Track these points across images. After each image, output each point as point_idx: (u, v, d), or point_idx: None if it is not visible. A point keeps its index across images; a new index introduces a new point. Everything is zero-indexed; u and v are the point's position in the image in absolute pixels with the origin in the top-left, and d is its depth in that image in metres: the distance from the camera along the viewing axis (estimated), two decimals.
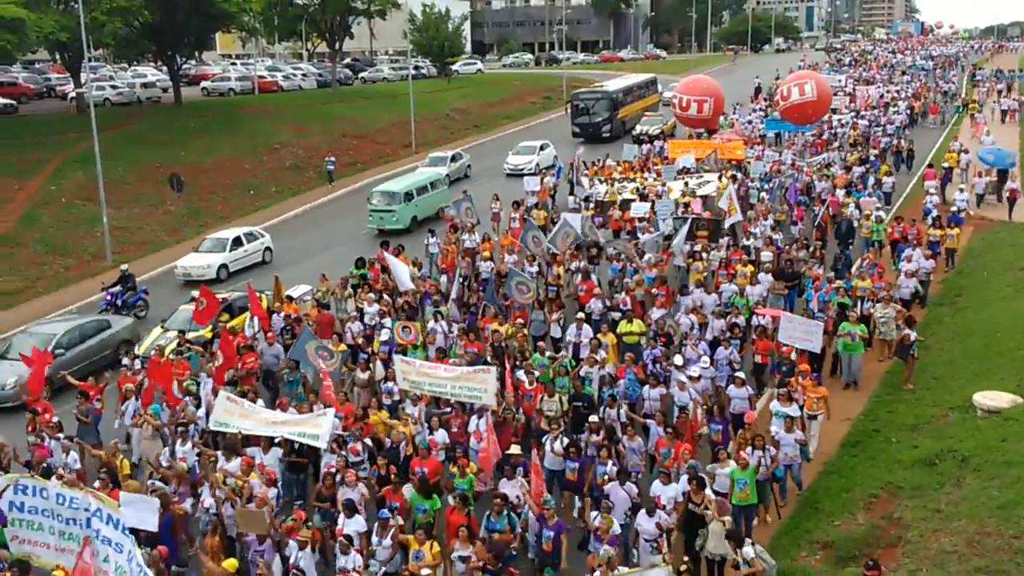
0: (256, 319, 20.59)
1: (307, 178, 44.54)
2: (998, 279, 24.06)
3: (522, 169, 41.42)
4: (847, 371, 18.89)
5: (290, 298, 22.61)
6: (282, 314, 20.96)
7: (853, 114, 49.17)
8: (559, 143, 48.26)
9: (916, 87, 62.12)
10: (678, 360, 16.86)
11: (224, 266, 29.41)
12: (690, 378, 16.01)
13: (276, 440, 14.57)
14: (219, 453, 14.34)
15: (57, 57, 48.28)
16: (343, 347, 18.81)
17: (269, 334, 19.53)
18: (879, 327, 19.59)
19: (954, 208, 29.14)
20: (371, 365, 17.90)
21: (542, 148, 44.59)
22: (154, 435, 15.73)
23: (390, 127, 54.62)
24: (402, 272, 22.25)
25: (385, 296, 21.49)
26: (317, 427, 13.97)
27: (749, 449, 13.38)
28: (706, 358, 17.23)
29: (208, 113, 51.36)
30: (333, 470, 13.74)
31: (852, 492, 14.41)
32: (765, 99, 59.81)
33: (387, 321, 19.78)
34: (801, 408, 15.35)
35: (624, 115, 53.37)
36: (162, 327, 22.17)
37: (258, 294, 22.21)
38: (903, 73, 71.94)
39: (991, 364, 18.27)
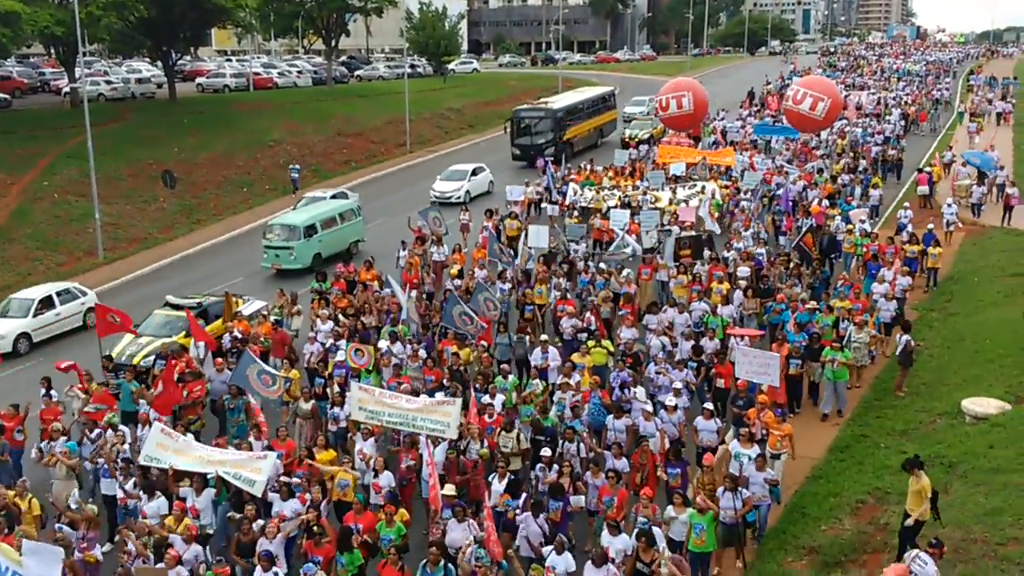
0: (202, 343, 19.28)
1: (300, 176, 44.40)
2: (989, 285, 24.10)
3: (450, 196, 36.81)
4: (831, 399, 17.86)
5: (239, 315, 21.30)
6: (233, 333, 19.74)
7: (843, 122, 47.62)
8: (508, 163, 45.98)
9: (911, 93, 61.44)
10: (641, 390, 15.97)
11: (25, 336, 23.31)
12: (666, 408, 15.17)
13: (210, 480, 13.23)
14: (140, 492, 13.23)
15: (52, 51, 48.06)
16: (294, 372, 17.72)
17: (218, 360, 18.14)
18: (852, 352, 18.36)
19: (944, 220, 28.56)
20: (326, 391, 16.66)
21: (475, 172, 39.20)
22: (68, 475, 14.21)
23: (385, 126, 54.55)
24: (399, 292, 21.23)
25: (341, 317, 20.29)
26: (256, 471, 12.93)
27: (721, 490, 12.55)
28: (678, 383, 16.19)
29: (203, 109, 51.22)
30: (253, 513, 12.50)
31: (839, 497, 14.43)
32: (756, 105, 59.18)
33: (342, 343, 18.58)
34: (763, 444, 14.36)
35: (572, 135, 47.01)
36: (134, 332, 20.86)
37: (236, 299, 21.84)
38: (898, 79, 71.30)
39: (980, 370, 18.33)
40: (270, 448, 14.12)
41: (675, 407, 15.19)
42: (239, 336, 19.50)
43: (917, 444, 15.53)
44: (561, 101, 49.44)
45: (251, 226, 36.53)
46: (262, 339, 19.47)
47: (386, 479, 13.46)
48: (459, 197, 36.71)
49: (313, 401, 16.44)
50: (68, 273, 30.31)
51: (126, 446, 14.49)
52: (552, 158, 42.32)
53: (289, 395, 16.81)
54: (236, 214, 38.43)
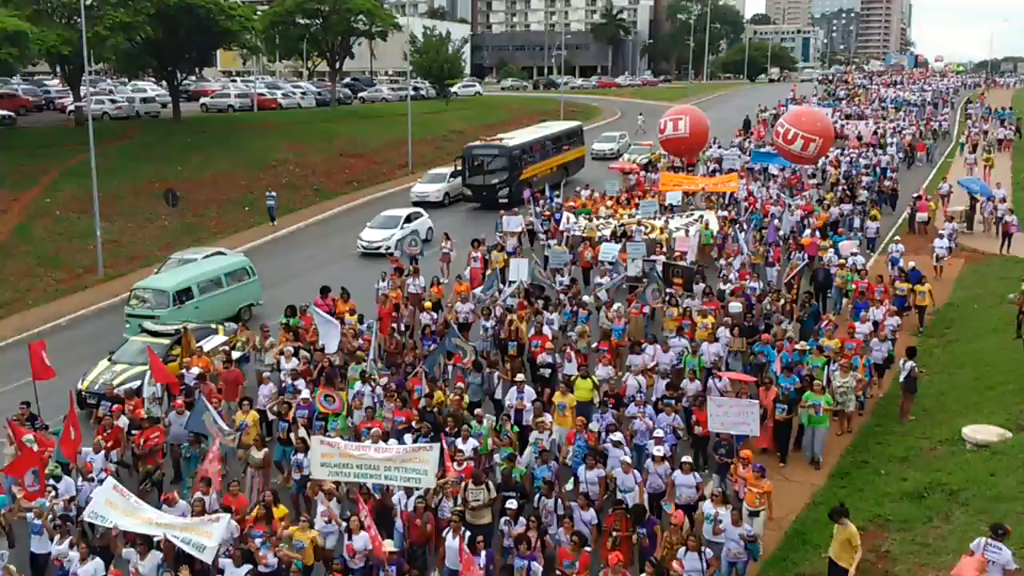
0: (158, 382, 17.79)
1: (303, 196, 44.63)
2: (988, 312, 24.12)
3: (378, 247, 32.85)
4: (810, 447, 16.87)
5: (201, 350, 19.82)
6: (192, 371, 18.16)
7: (838, 151, 46.59)
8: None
9: (913, 123, 60.29)
10: (616, 436, 14.79)
11: None
12: (654, 458, 14.16)
13: (157, 541, 12.21)
14: (70, 553, 12.19)
15: (57, 70, 48.35)
16: (253, 414, 16.24)
17: (177, 401, 16.48)
18: (837, 398, 17.29)
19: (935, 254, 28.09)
20: (290, 436, 15.45)
21: (409, 219, 34.61)
22: None
23: (387, 147, 54.78)
24: (330, 332, 19.90)
25: (304, 353, 19.03)
26: (207, 535, 11.84)
27: (682, 550, 11.90)
28: (659, 430, 15.00)
29: (206, 129, 51.49)
30: None
31: None
32: (751, 133, 58.61)
33: (300, 383, 17.25)
34: (741, 502, 13.59)
35: (531, 174, 42.46)
36: (109, 359, 20.17)
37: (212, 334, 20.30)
38: (897, 109, 70.93)
39: (980, 397, 18.34)
40: (225, 508, 13.04)
41: (663, 457, 14.19)
42: (198, 373, 17.98)
43: (918, 471, 15.53)
44: (519, 137, 45.67)
45: (251, 244, 36.59)
46: (208, 378, 17.99)
47: (362, 541, 12.34)
48: (389, 248, 32.35)
49: (266, 450, 15.13)
50: (68, 290, 30.33)
51: (60, 502, 13.37)
52: (506, 199, 40.21)
53: (243, 443, 15.46)
54: (237, 232, 38.44)
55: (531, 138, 45.88)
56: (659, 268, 24.82)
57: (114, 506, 12.36)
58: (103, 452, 14.93)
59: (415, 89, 71.40)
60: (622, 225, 29.85)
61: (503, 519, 12.87)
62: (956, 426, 16.66)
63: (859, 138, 52.71)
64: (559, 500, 13.29)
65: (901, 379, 18.40)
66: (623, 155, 51.37)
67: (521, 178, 41.68)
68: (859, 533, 13.79)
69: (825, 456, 16.94)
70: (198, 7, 45.77)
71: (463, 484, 13.44)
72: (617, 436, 14.80)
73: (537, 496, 13.49)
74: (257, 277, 26.73)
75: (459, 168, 43.31)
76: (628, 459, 14.05)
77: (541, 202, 35.22)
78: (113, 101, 55.45)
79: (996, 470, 14.50)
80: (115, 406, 16.47)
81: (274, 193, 39.95)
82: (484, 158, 42.44)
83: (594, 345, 19.94)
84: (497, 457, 14.71)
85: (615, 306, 21.63)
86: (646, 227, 29.62)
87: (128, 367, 19.68)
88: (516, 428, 15.68)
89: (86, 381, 19.58)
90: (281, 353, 18.99)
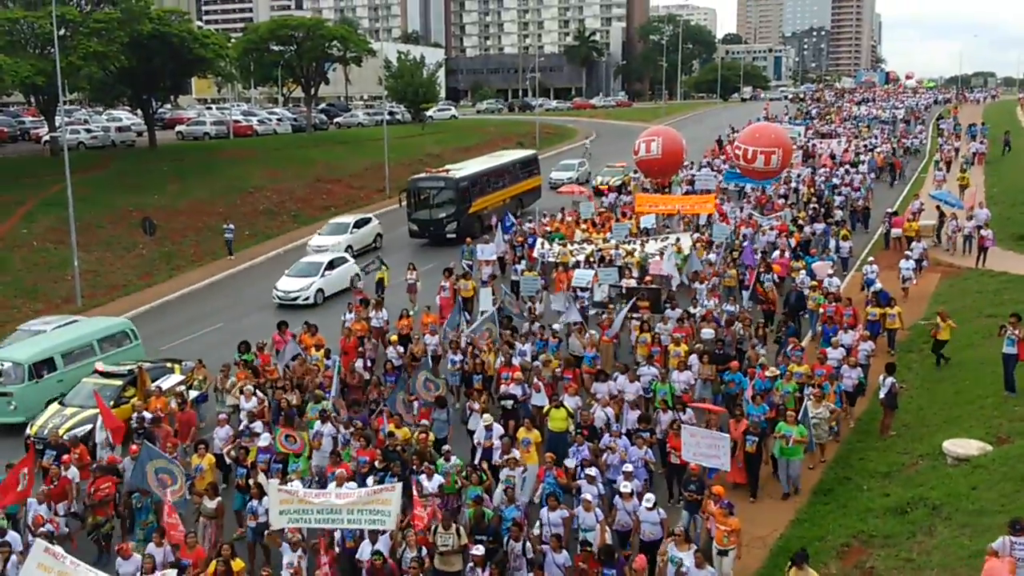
0: (107, 428, 16.84)
1: (280, 222, 44.63)
2: (966, 326, 24.29)
3: (296, 297, 30.01)
4: (784, 478, 16.46)
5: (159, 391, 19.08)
6: (146, 414, 17.34)
7: (810, 170, 46.63)
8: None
9: (886, 140, 60.14)
10: (591, 471, 14.26)
11: None
12: (622, 494, 13.62)
13: None
14: None
15: (32, 100, 48.17)
16: (209, 457, 15.55)
17: (133, 447, 15.49)
18: (811, 428, 16.81)
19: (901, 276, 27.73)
20: (249, 483, 14.74)
21: (332, 265, 31.57)
22: None
23: (364, 172, 54.93)
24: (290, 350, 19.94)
25: (260, 393, 18.44)
26: None
27: None
28: (629, 465, 14.39)
29: (182, 157, 51.46)
30: None
31: (824, 541, 14.43)
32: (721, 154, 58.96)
33: (257, 425, 16.59)
34: (712, 540, 13.32)
35: (479, 208, 40.07)
36: (60, 403, 19.34)
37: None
38: (868, 127, 70.38)
39: (960, 411, 18.50)
40: (176, 562, 12.43)
41: (631, 493, 13.59)
42: (151, 417, 17.21)
43: (900, 486, 15.65)
44: (468, 168, 42.80)
45: (230, 272, 36.50)
46: (158, 418, 17.26)
47: None
48: (307, 298, 30.03)
49: (219, 499, 14.34)
50: None
51: (13, 558, 12.52)
52: (454, 233, 38.06)
53: (195, 489, 14.81)
54: (216, 260, 38.34)
55: (481, 168, 43.08)
56: (624, 292, 24.66)
57: (48, 570, 11.37)
58: (46, 503, 14.14)
59: (390, 113, 71.75)
60: (599, 250, 29.46)
61: (469, 566, 12.46)
62: (936, 441, 16.78)
63: (832, 157, 52.84)
64: (527, 543, 12.83)
65: (881, 395, 18.56)
66: (595, 180, 50.57)
67: (470, 211, 39.53)
68: (843, 549, 14.02)
69: (806, 473, 16.93)
70: (171, 36, 46.00)
71: (433, 528, 13.05)
72: (592, 471, 14.31)
73: (505, 538, 13.00)
74: (139, 341, 23.70)
75: (361, 219, 39.74)
76: (590, 497, 13.46)
77: (513, 229, 34.86)
78: (88, 131, 55.34)
79: (978, 484, 14.63)
80: (65, 456, 15.61)
81: (231, 225, 39.30)
82: (430, 191, 39.56)
83: (559, 372, 19.40)
84: (469, 494, 14.26)
85: (588, 333, 21.43)
86: (623, 251, 29.32)
87: (79, 410, 18.84)
88: (483, 475, 14.98)
89: (35, 426, 18.64)
90: (241, 392, 18.39)
